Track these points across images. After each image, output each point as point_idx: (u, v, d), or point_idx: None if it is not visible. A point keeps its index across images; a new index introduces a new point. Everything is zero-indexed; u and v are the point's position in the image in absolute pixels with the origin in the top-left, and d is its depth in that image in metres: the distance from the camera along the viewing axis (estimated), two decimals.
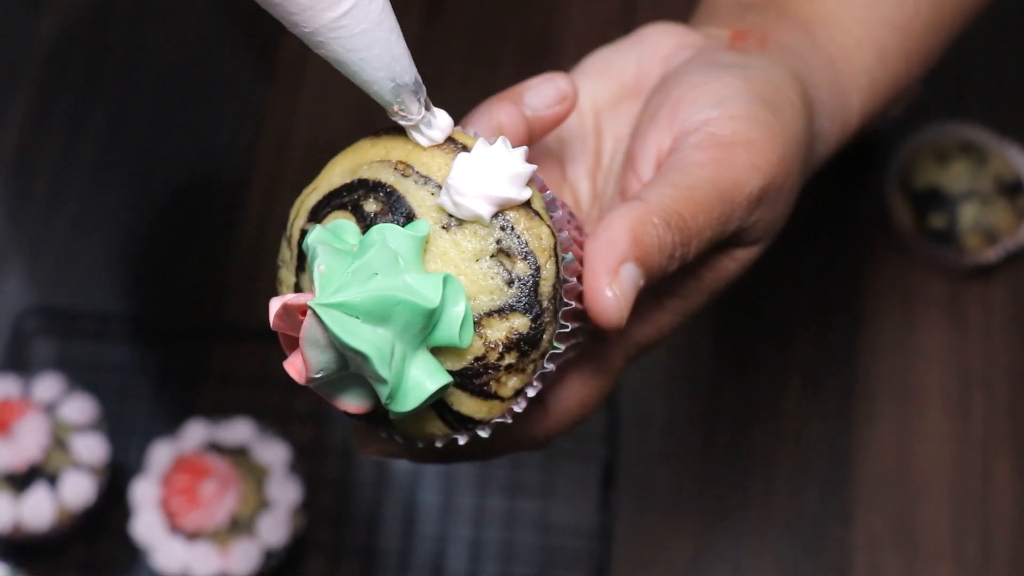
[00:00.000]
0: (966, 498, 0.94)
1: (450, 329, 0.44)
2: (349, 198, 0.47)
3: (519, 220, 0.45)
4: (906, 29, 0.61)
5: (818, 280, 1.00)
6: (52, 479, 0.89)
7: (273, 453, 0.91)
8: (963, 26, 0.65)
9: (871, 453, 0.96)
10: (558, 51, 1.08)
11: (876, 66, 0.60)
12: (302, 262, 0.48)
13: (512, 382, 0.46)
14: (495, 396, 0.46)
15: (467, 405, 0.46)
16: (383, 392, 0.43)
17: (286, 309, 0.43)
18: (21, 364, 0.96)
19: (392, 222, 0.45)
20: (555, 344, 0.47)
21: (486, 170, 0.45)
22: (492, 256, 0.45)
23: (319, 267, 0.43)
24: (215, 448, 0.91)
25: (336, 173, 0.48)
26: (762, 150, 0.51)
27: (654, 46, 0.57)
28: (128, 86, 1.08)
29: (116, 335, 0.98)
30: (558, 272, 0.46)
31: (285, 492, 0.90)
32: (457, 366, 0.45)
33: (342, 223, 0.46)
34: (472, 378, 0.46)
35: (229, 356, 0.98)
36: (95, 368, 0.97)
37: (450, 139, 0.47)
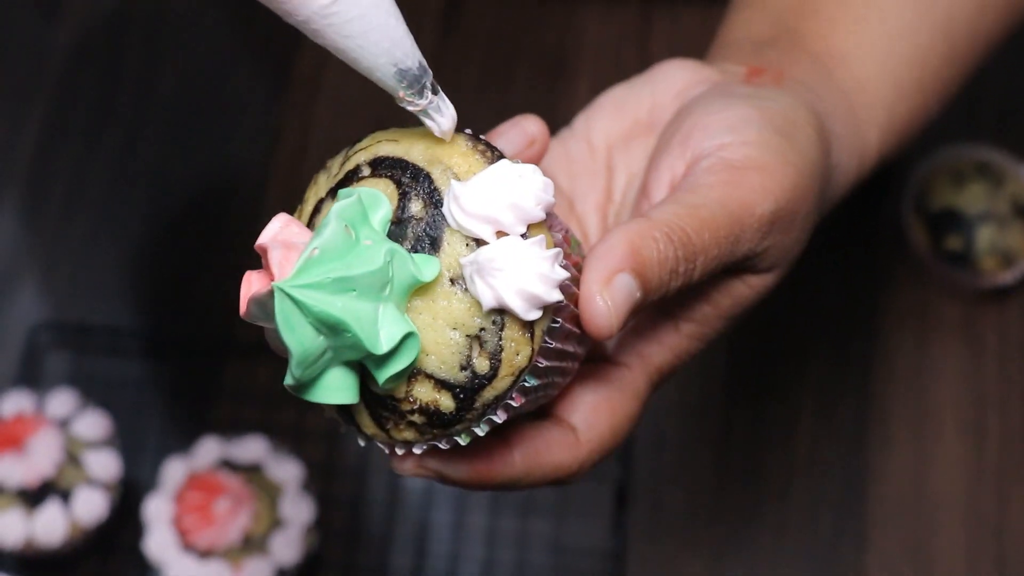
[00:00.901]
0: (981, 522, 0.94)
1: (384, 372, 0.44)
2: (396, 174, 0.46)
3: (512, 327, 0.45)
4: (922, 64, 0.61)
5: (833, 301, 1.00)
6: (65, 495, 0.89)
7: (286, 471, 0.91)
8: (979, 61, 0.65)
9: (886, 476, 0.95)
10: (573, 68, 1.08)
11: (893, 101, 0.60)
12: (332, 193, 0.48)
13: (405, 435, 0.46)
14: (386, 431, 0.47)
15: (365, 421, 0.47)
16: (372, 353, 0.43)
17: (256, 300, 0.43)
18: (34, 379, 0.96)
19: (424, 232, 0.45)
20: (469, 433, 0.47)
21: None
22: (467, 336, 0.44)
23: (313, 249, 0.42)
24: (228, 465, 0.91)
25: (389, 144, 0.47)
26: (775, 175, 0.51)
27: (668, 82, 0.57)
28: (143, 99, 1.08)
29: (130, 350, 0.98)
30: (509, 391, 0.45)
31: (298, 510, 0.89)
32: (376, 389, 0.45)
33: (377, 195, 0.45)
34: (378, 405, 0.46)
35: (242, 373, 0.98)
36: (108, 383, 0.97)
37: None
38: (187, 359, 0.99)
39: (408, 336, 0.44)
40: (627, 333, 0.54)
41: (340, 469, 0.95)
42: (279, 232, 0.44)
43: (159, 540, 0.89)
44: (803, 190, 0.52)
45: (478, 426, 0.47)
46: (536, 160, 0.53)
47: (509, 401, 0.46)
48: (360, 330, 0.42)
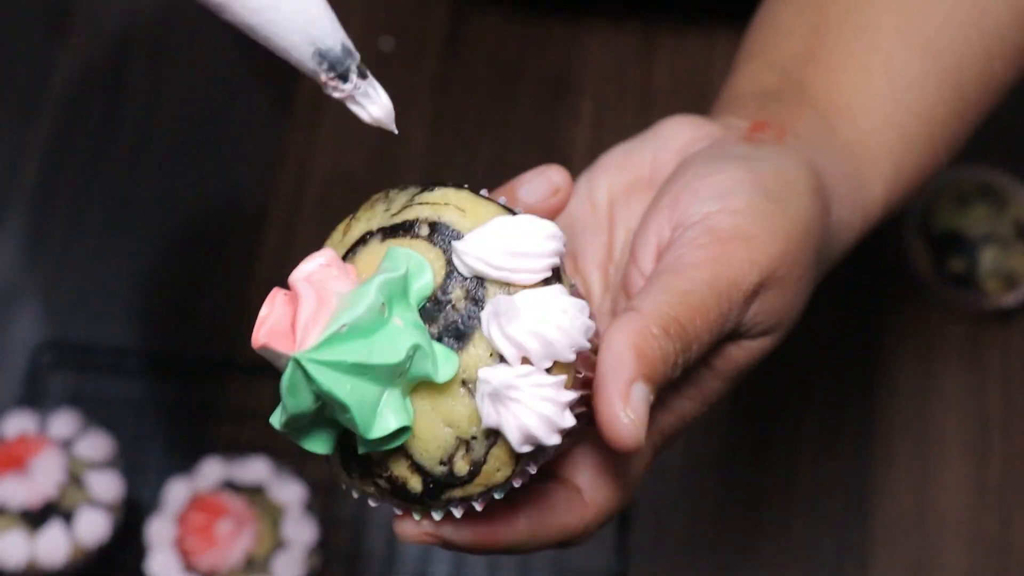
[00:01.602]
0: (984, 543, 0.94)
1: (367, 446, 0.44)
2: (451, 251, 0.45)
3: (502, 447, 0.44)
4: (930, 116, 0.61)
5: (836, 322, 1.00)
6: (67, 516, 0.89)
7: (289, 492, 0.91)
8: (988, 108, 0.64)
9: (888, 496, 0.95)
10: (576, 90, 1.09)
11: (900, 153, 0.60)
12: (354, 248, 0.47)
13: (366, 488, 0.47)
14: (349, 475, 0.47)
15: (334, 459, 0.47)
16: (358, 428, 0.43)
17: (269, 350, 0.43)
18: (37, 399, 0.96)
19: (456, 324, 0.44)
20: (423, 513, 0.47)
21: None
22: (458, 438, 0.44)
23: (342, 326, 0.41)
24: (231, 486, 0.91)
25: (455, 214, 0.46)
26: (762, 244, 0.50)
27: (669, 138, 0.57)
28: (147, 121, 1.09)
29: (132, 371, 0.98)
30: (475, 497, 0.45)
31: (301, 532, 0.89)
32: (361, 448, 0.45)
33: (424, 267, 0.44)
34: (351, 455, 0.46)
35: (245, 393, 0.98)
36: (111, 404, 0.97)
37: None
38: (190, 379, 0.99)
39: (402, 429, 0.43)
40: None
41: (342, 490, 0.95)
42: (315, 273, 0.43)
43: (161, 561, 0.89)
44: (792, 255, 0.51)
45: (436, 512, 0.47)
46: (558, 210, 0.52)
47: (472, 503, 0.46)
48: (359, 414, 0.42)
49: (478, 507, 0.46)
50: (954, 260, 0.98)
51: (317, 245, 0.95)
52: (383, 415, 0.43)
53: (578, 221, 0.57)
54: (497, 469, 0.45)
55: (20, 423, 0.91)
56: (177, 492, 0.90)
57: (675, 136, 0.57)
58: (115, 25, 1.12)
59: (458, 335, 0.44)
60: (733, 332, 0.51)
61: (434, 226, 0.45)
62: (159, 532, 0.89)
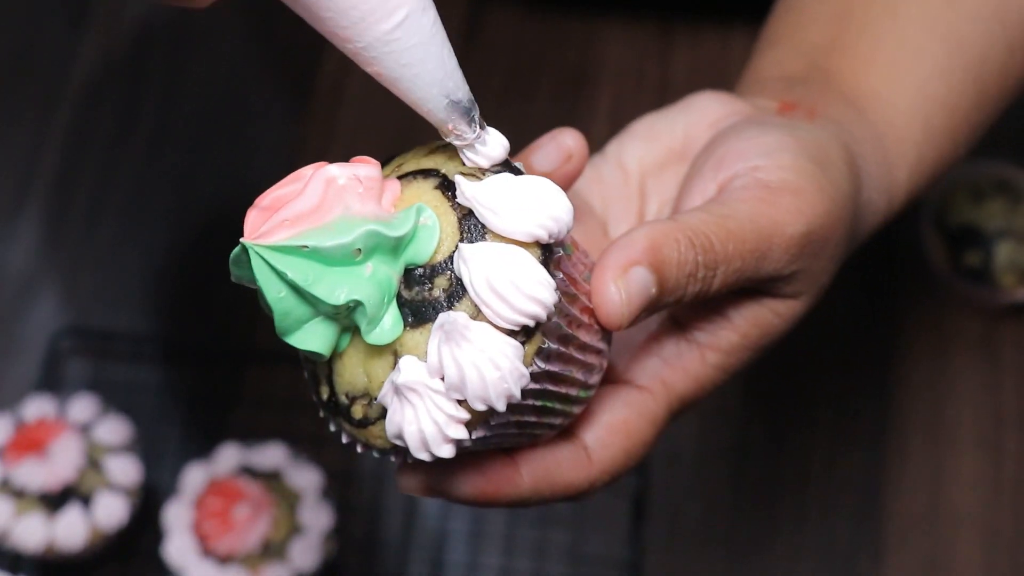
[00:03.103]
0: (998, 538, 0.94)
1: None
2: (467, 223, 0.45)
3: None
4: (953, 106, 0.61)
5: (851, 316, 1.00)
6: (86, 500, 0.90)
7: (306, 478, 0.91)
8: (1007, 102, 0.65)
9: (903, 489, 0.95)
10: (594, 85, 1.09)
11: (923, 142, 0.60)
12: None
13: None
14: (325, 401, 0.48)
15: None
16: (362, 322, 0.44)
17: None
18: (56, 384, 0.97)
19: (423, 305, 0.44)
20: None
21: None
22: (366, 388, 0.45)
23: (303, 245, 0.42)
24: (248, 472, 0.91)
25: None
26: (809, 198, 0.51)
27: (703, 112, 0.57)
28: (166, 111, 1.09)
29: (151, 357, 0.99)
30: (370, 449, 0.47)
31: (317, 517, 0.90)
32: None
33: (433, 234, 0.44)
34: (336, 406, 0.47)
35: (262, 380, 0.98)
36: (129, 389, 0.97)
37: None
38: (207, 365, 1.00)
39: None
40: (651, 358, 0.54)
41: (358, 477, 0.95)
42: (341, 178, 0.43)
43: (179, 546, 0.89)
44: (835, 218, 0.52)
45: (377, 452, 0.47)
46: (573, 176, 0.52)
47: (388, 456, 0.47)
48: (279, 319, 0.43)
49: (394, 460, 0.47)
50: (970, 254, 0.99)
51: None
52: (304, 331, 0.43)
53: (609, 187, 0.57)
54: (379, 436, 0.46)
55: (40, 407, 0.92)
56: (194, 477, 0.91)
57: (707, 110, 0.57)
58: (135, 17, 1.13)
59: (416, 314, 0.44)
60: (769, 284, 0.51)
61: (471, 196, 0.45)
62: (176, 516, 0.90)
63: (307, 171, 0.44)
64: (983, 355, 0.99)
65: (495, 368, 0.43)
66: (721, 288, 0.50)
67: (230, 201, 1.07)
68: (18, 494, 0.89)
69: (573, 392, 0.48)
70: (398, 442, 0.44)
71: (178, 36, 1.12)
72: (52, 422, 0.90)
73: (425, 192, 0.45)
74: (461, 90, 0.44)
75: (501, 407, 0.43)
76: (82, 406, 0.92)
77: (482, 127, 0.45)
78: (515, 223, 0.44)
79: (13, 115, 1.09)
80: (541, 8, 1.11)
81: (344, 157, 1.20)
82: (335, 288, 0.42)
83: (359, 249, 0.43)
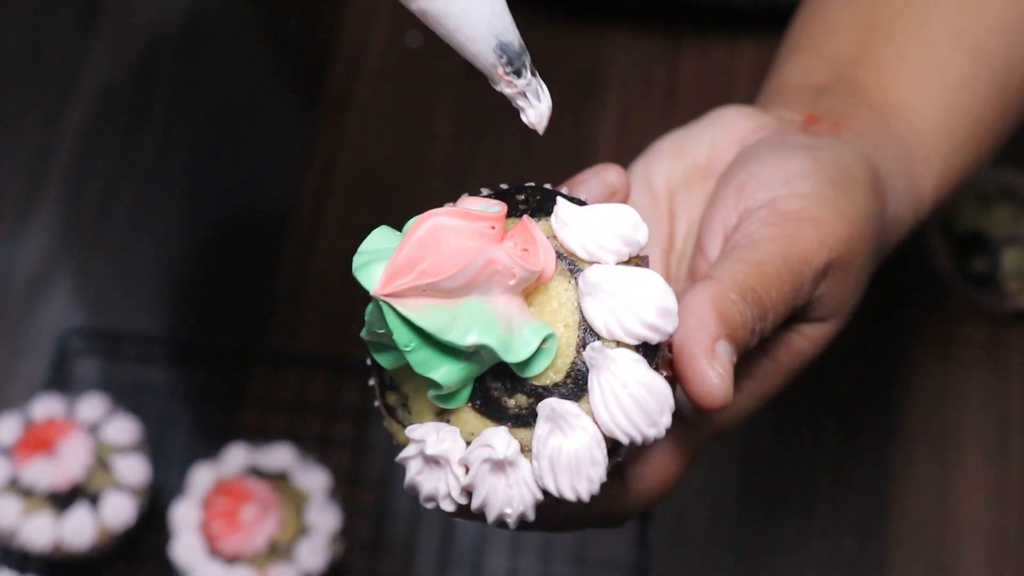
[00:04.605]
0: (1003, 544, 0.94)
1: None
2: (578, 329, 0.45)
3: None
4: (978, 117, 0.61)
5: (857, 321, 1.00)
6: (94, 499, 0.90)
7: (313, 479, 0.91)
8: None
9: (908, 497, 0.95)
10: (602, 90, 1.09)
11: (948, 153, 0.60)
12: None
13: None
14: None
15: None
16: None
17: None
18: (65, 384, 0.97)
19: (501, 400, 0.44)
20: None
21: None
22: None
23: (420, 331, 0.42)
24: (255, 472, 0.91)
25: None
26: (829, 227, 0.50)
27: (728, 128, 0.57)
28: (177, 113, 1.10)
29: (159, 357, 0.99)
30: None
31: (324, 518, 0.90)
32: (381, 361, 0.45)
33: (551, 337, 0.44)
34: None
35: (270, 381, 0.99)
36: (138, 389, 0.98)
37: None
38: (216, 366, 1.00)
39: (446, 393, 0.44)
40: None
41: (366, 478, 0.96)
42: (443, 224, 0.42)
43: (186, 545, 0.89)
44: (856, 242, 0.52)
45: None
46: None
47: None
48: (414, 358, 0.42)
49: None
50: (976, 260, 0.99)
51: (342, 237, 0.96)
52: (438, 368, 0.43)
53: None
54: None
55: (48, 407, 0.92)
56: (202, 477, 0.91)
57: (732, 126, 0.57)
58: (146, 18, 1.14)
59: (485, 402, 0.44)
60: (799, 313, 0.51)
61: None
62: (184, 516, 0.90)
63: (466, 200, 0.42)
64: (990, 361, 0.99)
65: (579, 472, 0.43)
66: (770, 334, 0.50)
67: (239, 204, 1.08)
68: (26, 493, 0.89)
69: None
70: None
71: (189, 38, 1.13)
72: (61, 421, 0.91)
73: (562, 291, 0.44)
74: (511, 31, 0.43)
75: (585, 498, 0.44)
76: (91, 406, 0.93)
77: (534, 74, 0.43)
78: (632, 334, 0.43)
79: (24, 115, 1.09)
80: (549, 15, 1.12)
81: (352, 161, 1.19)
82: (462, 329, 0.42)
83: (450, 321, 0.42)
